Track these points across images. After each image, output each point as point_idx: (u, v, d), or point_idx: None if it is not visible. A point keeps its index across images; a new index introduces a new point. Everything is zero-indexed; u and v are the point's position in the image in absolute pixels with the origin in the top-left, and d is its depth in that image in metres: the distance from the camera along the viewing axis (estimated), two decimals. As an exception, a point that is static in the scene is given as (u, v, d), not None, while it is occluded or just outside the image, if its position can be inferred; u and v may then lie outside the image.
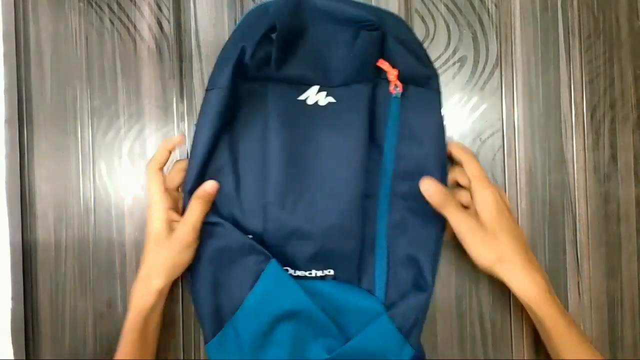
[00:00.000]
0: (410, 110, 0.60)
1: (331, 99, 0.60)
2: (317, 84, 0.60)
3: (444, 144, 0.60)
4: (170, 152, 0.59)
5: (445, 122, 0.60)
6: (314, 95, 0.60)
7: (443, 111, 0.61)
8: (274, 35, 0.57)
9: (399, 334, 0.57)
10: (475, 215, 0.56)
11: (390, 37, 0.59)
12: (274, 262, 0.58)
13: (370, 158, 0.60)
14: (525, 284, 0.54)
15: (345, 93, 0.60)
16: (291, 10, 0.58)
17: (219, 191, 0.60)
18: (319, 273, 0.60)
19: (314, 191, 0.59)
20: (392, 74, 0.59)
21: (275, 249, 0.59)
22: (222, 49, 0.61)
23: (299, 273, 0.60)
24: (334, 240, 0.59)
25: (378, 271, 0.60)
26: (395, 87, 0.59)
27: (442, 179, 0.59)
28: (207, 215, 0.58)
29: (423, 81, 0.60)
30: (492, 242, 0.55)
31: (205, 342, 0.59)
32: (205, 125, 0.58)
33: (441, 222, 0.59)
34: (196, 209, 0.57)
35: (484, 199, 0.56)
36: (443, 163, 0.60)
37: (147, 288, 0.56)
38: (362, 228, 0.60)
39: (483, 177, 0.57)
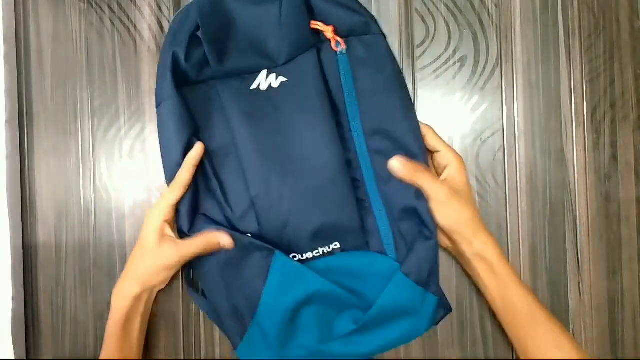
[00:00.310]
0: (360, 62, 0.59)
1: (283, 79, 0.59)
2: (265, 68, 0.59)
3: (403, 85, 0.60)
4: (196, 168, 0.58)
5: (397, 61, 0.60)
6: (265, 80, 0.59)
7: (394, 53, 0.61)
8: (200, 34, 0.57)
9: (417, 286, 0.57)
10: (445, 181, 0.58)
11: (321, 1, 0.59)
12: (278, 254, 0.57)
13: (339, 124, 0.59)
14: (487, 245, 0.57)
15: (293, 68, 0.59)
16: (211, 4, 0.58)
17: (208, 200, 0.60)
18: (326, 250, 0.59)
19: (295, 172, 0.58)
20: (328, 31, 0.58)
21: (277, 240, 0.59)
22: (160, 62, 0.59)
23: (306, 256, 0.59)
24: (331, 213, 0.59)
25: (383, 230, 0.60)
26: (337, 44, 0.59)
27: (411, 121, 0.59)
28: (202, 224, 0.58)
29: (362, 29, 0.59)
30: (464, 207, 0.57)
31: (235, 348, 0.59)
32: (171, 143, 0.58)
33: (424, 159, 0.59)
34: (196, 245, 0.57)
35: (458, 165, 0.58)
36: (407, 105, 0.59)
37: (123, 292, 0.57)
38: (354, 193, 0.59)
39: (449, 145, 0.59)
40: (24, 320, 0.63)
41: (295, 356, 0.59)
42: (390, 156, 0.58)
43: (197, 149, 0.58)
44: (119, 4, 0.64)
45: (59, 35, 0.64)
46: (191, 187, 0.58)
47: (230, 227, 0.59)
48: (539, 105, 0.63)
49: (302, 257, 0.59)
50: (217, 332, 0.64)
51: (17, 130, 0.63)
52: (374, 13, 0.63)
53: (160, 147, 0.59)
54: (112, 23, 0.64)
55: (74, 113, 0.64)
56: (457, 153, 0.59)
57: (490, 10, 0.63)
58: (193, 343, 0.64)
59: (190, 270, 0.63)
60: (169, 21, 0.64)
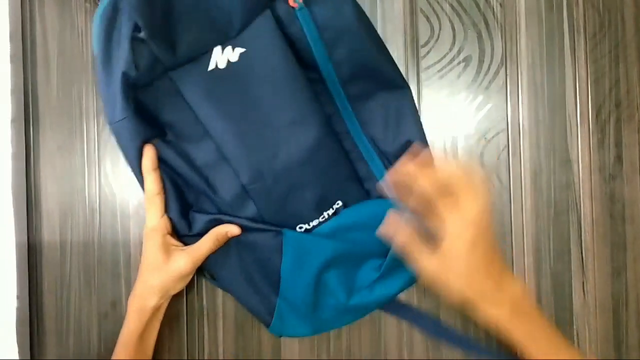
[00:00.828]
0: (321, 12, 0.54)
1: (240, 49, 0.54)
2: (218, 44, 0.54)
3: (368, 24, 0.57)
4: (158, 170, 0.56)
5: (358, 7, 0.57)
6: (221, 56, 0.54)
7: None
8: (142, 34, 0.50)
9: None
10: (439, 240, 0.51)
11: None
12: (286, 232, 0.57)
13: (311, 80, 0.56)
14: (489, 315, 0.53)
15: (249, 35, 0.54)
16: None
17: (195, 197, 0.59)
18: (330, 212, 0.59)
19: (280, 146, 0.56)
20: None
21: (279, 218, 0.58)
22: (99, 77, 0.54)
23: (313, 224, 0.59)
24: (326, 176, 0.58)
25: (378, 175, 0.60)
26: (295, 0, 0.54)
27: (385, 54, 0.58)
28: (201, 220, 0.58)
29: None
30: (454, 283, 0.52)
31: (267, 327, 0.60)
32: (133, 158, 0.55)
33: (407, 97, 0.58)
34: (206, 246, 0.56)
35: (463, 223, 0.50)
36: (377, 41, 0.58)
37: (142, 306, 0.56)
38: (343, 146, 0.59)
39: (466, 181, 0.50)
40: (28, 318, 0.63)
41: (328, 318, 0.59)
42: (372, 97, 0.58)
43: (147, 154, 0.55)
44: (125, 4, 0.64)
45: (65, 35, 0.64)
46: (171, 191, 0.57)
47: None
48: (543, 105, 0.64)
49: (309, 225, 0.59)
50: (220, 332, 0.64)
51: (22, 130, 0.63)
52: (378, 13, 0.63)
53: (130, 165, 0.57)
54: (118, 23, 0.64)
55: (79, 112, 0.64)
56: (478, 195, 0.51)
57: (495, 10, 0.64)
58: (196, 343, 0.64)
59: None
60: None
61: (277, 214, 0.58)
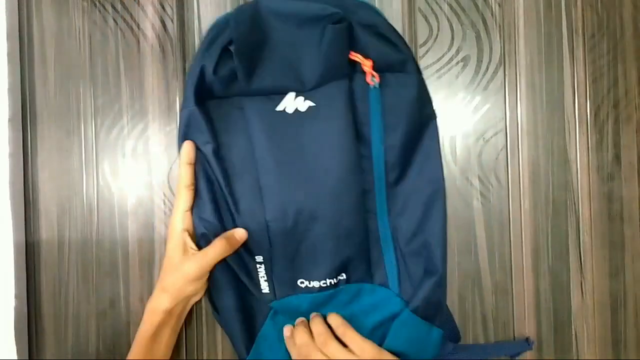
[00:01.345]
0: (392, 98, 0.58)
1: (310, 103, 0.58)
2: (293, 91, 0.58)
3: (433, 126, 0.60)
4: (193, 165, 0.58)
5: (431, 109, 0.61)
6: (292, 103, 0.58)
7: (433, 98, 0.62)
8: (232, 48, 0.56)
9: (424, 322, 0.58)
10: None
11: (359, 26, 0.57)
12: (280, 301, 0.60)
13: (361, 154, 0.59)
14: None
15: (323, 94, 0.58)
16: (248, 20, 0.56)
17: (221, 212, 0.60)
18: (333, 281, 0.60)
19: (312, 199, 0.58)
20: (366, 65, 0.57)
21: (285, 263, 0.59)
22: (190, 69, 0.60)
23: (313, 284, 0.59)
24: (343, 244, 0.59)
25: (388, 264, 0.60)
26: (372, 78, 0.58)
27: (437, 160, 0.60)
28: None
29: (399, 66, 0.59)
30: None
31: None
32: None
33: (442, 204, 0.59)
34: (217, 250, 0.56)
35: None
36: (436, 147, 0.60)
37: (154, 306, 0.57)
38: (366, 224, 0.60)
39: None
40: (26, 317, 0.63)
41: None
42: (407, 190, 0.59)
43: (186, 148, 0.58)
44: (123, 3, 0.64)
45: (62, 34, 0.64)
46: (208, 197, 0.58)
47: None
48: (542, 105, 0.63)
49: (310, 284, 0.60)
50: (219, 332, 0.64)
51: (20, 129, 0.63)
52: (377, 12, 0.63)
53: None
54: (116, 22, 0.64)
55: (77, 112, 0.64)
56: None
57: (493, 10, 0.63)
58: (195, 343, 0.64)
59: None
60: (172, 20, 0.64)
61: (285, 259, 0.59)
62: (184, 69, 0.64)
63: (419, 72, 0.60)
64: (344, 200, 0.58)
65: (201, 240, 0.58)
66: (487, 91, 0.63)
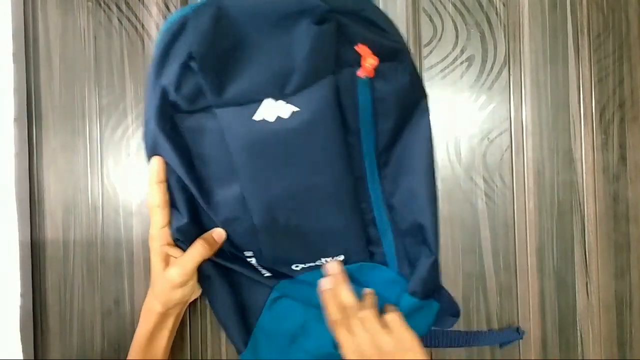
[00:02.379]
0: (383, 88, 0.54)
1: (294, 108, 0.51)
2: (270, 96, 0.51)
3: (423, 104, 0.57)
4: (164, 183, 0.56)
5: (421, 90, 0.58)
6: (272, 110, 0.51)
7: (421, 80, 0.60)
8: (194, 65, 0.50)
9: (423, 301, 0.57)
10: None
11: (342, 14, 0.51)
12: (281, 283, 0.59)
13: (349, 144, 0.55)
14: None
15: (307, 96, 0.51)
16: (210, 26, 0.49)
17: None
18: (330, 260, 0.59)
19: (303, 203, 0.56)
20: (369, 62, 0.52)
21: (280, 253, 0.59)
22: (148, 84, 0.53)
23: (309, 264, 0.59)
24: (338, 234, 0.58)
25: (386, 243, 0.60)
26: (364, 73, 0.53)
27: (429, 149, 0.57)
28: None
29: (391, 56, 0.54)
30: None
31: (239, 353, 0.60)
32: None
33: (433, 184, 0.58)
34: (196, 252, 0.55)
35: None
36: (427, 135, 0.57)
37: (149, 309, 0.57)
38: (360, 208, 0.59)
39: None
40: (31, 316, 0.63)
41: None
42: (397, 168, 0.57)
43: (154, 166, 0.55)
44: (127, 3, 0.64)
45: (67, 34, 0.64)
46: (184, 207, 0.56)
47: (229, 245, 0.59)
48: (547, 105, 0.63)
49: (305, 265, 0.60)
50: (223, 332, 0.64)
51: (25, 129, 0.63)
52: (381, 12, 0.63)
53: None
54: (120, 22, 0.64)
55: (81, 111, 0.64)
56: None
57: (498, 9, 0.63)
58: (199, 343, 0.64)
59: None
60: (176, 20, 0.64)
61: (278, 250, 0.58)
62: (189, 68, 0.64)
63: (410, 58, 0.56)
64: (336, 201, 0.56)
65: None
66: (491, 91, 0.63)
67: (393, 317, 0.56)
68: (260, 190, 0.55)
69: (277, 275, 0.60)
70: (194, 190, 0.55)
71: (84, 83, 0.64)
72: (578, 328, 0.63)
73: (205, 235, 0.57)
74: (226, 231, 0.58)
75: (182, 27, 0.50)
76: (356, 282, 0.60)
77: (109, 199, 0.64)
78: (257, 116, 0.52)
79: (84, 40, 0.64)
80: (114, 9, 0.64)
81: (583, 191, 0.63)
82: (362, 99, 0.53)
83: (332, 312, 0.57)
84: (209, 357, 0.64)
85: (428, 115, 0.57)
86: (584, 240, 0.63)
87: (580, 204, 0.63)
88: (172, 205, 0.56)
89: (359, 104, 0.54)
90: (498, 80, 0.63)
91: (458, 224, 0.63)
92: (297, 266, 0.59)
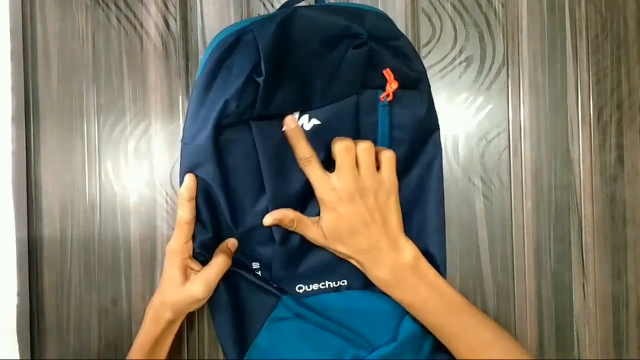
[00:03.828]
0: (401, 114, 0.58)
1: (315, 121, 0.57)
2: (299, 110, 0.56)
3: (435, 136, 0.60)
4: (194, 201, 0.57)
5: (436, 121, 0.60)
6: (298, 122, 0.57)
7: (438, 109, 0.61)
8: (260, 79, 0.52)
9: (421, 330, 0.58)
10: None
11: (374, 40, 0.55)
12: (285, 300, 0.59)
13: None
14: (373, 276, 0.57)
15: (329, 112, 0.57)
16: (279, 41, 0.52)
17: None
18: (333, 284, 0.60)
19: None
20: (391, 86, 0.56)
21: (287, 274, 0.59)
22: (195, 96, 0.55)
23: (312, 287, 0.60)
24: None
25: None
26: (386, 97, 0.57)
27: (440, 184, 0.60)
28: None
29: (412, 84, 0.58)
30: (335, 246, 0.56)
31: None
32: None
33: (442, 214, 0.59)
34: (219, 267, 0.56)
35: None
36: (439, 171, 0.60)
37: (158, 316, 0.57)
38: None
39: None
40: (28, 315, 0.63)
41: None
42: (407, 199, 0.59)
43: (186, 183, 0.56)
44: (126, 2, 0.64)
45: (66, 32, 0.64)
46: (208, 219, 0.58)
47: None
48: (545, 106, 0.63)
49: (308, 288, 0.60)
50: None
51: (23, 128, 0.63)
52: (380, 12, 0.63)
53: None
54: (119, 21, 0.64)
55: (79, 110, 0.64)
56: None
57: (496, 10, 0.63)
58: (196, 343, 0.64)
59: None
60: (175, 19, 0.64)
61: (285, 271, 0.59)
62: (187, 67, 0.64)
63: (429, 88, 0.59)
64: None
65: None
66: (489, 91, 0.63)
67: (388, 155, 0.55)
68: (281, 197, 0.57)
69: (283, 291, 0.60)
70: (223, 201, 0.57)
71: (82, 82, 0.64)
72: (575, 329, 0.63)
73: (222, 247, 0.58)
74: (244, 240, 0.59)
75: (237, 41, 0.53)
76: (357, 309, 0.60)
77: (106, 198, 0.64)
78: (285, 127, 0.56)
79: (82, 39, 0.64)
80: (113, 7, 0.64)
81: (580, 192, 0.63)
82: (381, 123, 0.58)
83: (303, 148, 0.55)
84: (206, 357, 0.64)
85: (441, 151, 0.60)
86: (581, 241, 0.63)
87: (577, 204, 0.63)
88: (197, 220, 0.58)
89: (378, 127, 0.58)
90: (496, 81, 0.63)
91: (455, 224, 0.63)
92: (300, 287, 0.60)
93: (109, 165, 0.64)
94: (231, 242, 0.59)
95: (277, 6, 0.63)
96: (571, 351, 0.63)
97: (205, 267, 0.56)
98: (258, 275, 0.60)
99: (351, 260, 0.57)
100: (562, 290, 0.63)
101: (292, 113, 0.56)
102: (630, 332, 0.63)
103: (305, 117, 0.57)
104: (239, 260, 0.60)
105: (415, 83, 0.58)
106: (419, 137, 0.59)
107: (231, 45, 0.54)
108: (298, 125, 0.56)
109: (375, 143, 0.57)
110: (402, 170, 0.58)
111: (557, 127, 0.63)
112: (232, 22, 0.64)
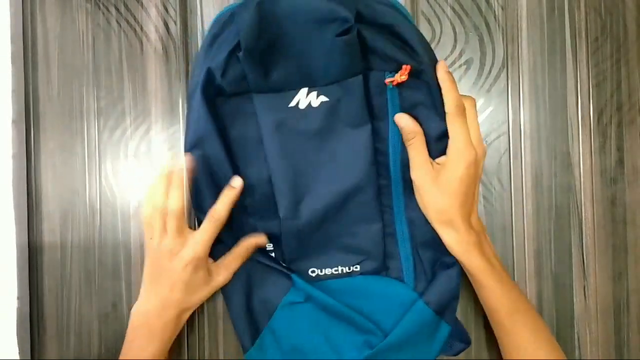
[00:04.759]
0: (409, 97, 0.57)
1: (324, 98, 0.57)
2: (305, 86, 0.57)
3: (444, 130, 0.58)
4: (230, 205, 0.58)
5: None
6: (305, 98, 0.57)
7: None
8: (240, 54, 0.54)
9: (435, 315, 0.58)
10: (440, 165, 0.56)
11: (375, 27, 0.55)
12: (296, 281, 0.59)
13: (377, 149, 0.59)
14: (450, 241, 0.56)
15: (337, 89, 0.56)
16: (255, 21, 0.53)
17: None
18: (346, 269, 0.60)
19: (325, 196, 0.58)
20: (400, 78, 0.56)
21: (299, 254, 0.60)
22: (192, 68, 0.58)
23: (325, 272, 0.60)
24: (357, 236, 0.60)
25: (404, 257, 0.60)
26: (391, 82, 0.56)
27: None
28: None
29: (415, 73, 0.56)
30: (438, 199, 0.56)
31: (244, 351, 0.60)
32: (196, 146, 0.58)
33: None
34: (239, 258, 0.59)
35: (456, 153, 0.55)
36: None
37: (179, 320, 0.59)
38: (382, 219, 0.60)
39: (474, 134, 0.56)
40: (28, 319, 0.63)
41: None
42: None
43: (234, 185, 0.58)
44: (126, 5, 0.64)
45: (66, 35, 0.64)
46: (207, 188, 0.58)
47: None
48: (545, 108, 0.63)
49: (321, 272, 0.60)
50: (220, 332, 0.64)
51: (23, 130, 0.63)
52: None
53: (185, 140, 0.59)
54: (119, 24, 0.64)
55: (80, 113, 0.64)
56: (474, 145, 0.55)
57: (496, 13, 0.63)
58: (197, 343, 0.64)
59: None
60: (175, 22, 0.64)
61: (296, 251, 0.60)
62: (187, 70, 0.64)
63: (433, 80, 0.56)
64: (360, 195, 0.58)
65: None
66: (489, 94, 0.63)
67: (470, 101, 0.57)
68: (287, 179, 0.58)
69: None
70: (228, 171, 0.57)
71: (82, 85, 0.64)
72: (576, 331, 0.63)
73: (249, 240, 0.59)
74: (254, 214, 0.60)
75: (230, 19, 0.56)
76: (369, 294, 0.60)
77: (106, 202, 0.64)
78: (292, 103, 0.57)
79: (83, 42, 0.64)
80: (113, 10, 0.64)
81: (581, 194, 0.63)
82: (391, 102, 0.57)
83: (457, 98, 0.55)
84: (206, 357, 0.64)
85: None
86: (582, 244, 0.63)
87: (578, 207, 0.63)
88: (198, 207, 0.59)
89: (388, 107, 0.58)
90: (496, 84, 0.63)
91: (456, 226, 0.63)
92: (313, 271, 0.60)
93: (109, 168, 0.64)
94: (260, 239, 0.59)
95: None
96: (572, 353, 0.63)
97: (228, 256, 0.58)
98: (271, 257, 0.60)
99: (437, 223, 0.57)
100: (563, 293, 0.63)
101: (296, 89, 0.57)
102: (631, 334, 0.63)
103: (313, 93, 0.57)
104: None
105: (417, 73, 0.56)
106: (428, 127, 0.58)
107: (225, 22, 0.56)
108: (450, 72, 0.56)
109: (386, 123, 0.58)
110: None
111: (557, 129, 0.63)
112: (233, 25, 0.64)
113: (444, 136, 0.56)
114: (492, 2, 0.63)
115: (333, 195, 0.58)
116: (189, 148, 0.58)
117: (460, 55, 0.63)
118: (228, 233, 0.59)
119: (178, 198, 0.57)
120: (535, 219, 0.63)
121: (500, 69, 0.63)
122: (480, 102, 0.63)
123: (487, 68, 0.63)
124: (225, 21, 0.56)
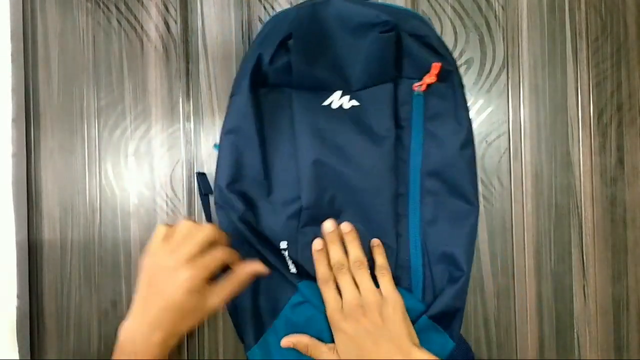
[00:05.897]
0: (433, 106, 0.60)
1: (355, 102, 0.61)
2: (340, 89, 0.61)
3: (470, 140, 0.60)
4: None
5: (470, 116, 0.61)
6: (338, 100, 0.61)
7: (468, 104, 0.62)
8: (290, 43, 0.59)
9: (439, 330, 0.58)
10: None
11: (410, 36, 0.60)
12: (301, 287, 0.59)
13: (398, 157, 0.60)
14: None
15: (368, 95, 0.61)
16: (308, 19, 0.59)
17: (253, 194, 0.61)
18: None
19: (347, 193, 0.60)
20: (430, 78, 0.59)
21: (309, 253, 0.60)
22: (245, 55, 0.62)
23: None
24: (369, 237, 0.60)
25: (414, 269, 0.60)
26: (419, 86, 0.60)
27: (471, 169, 0.60)
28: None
29: (444, 77, 0.60)
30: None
31: (246, 350, 0.60)
32: (233, 130, 0.60)
33: (473, 215, 0.60)
34: (232, 288, 0.56)
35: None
36: (470, 160, 0.60)
37: (149, 342, 0.54)
38: (396, 226, 0.60)
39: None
40: (28, 317, 0.63)
41: None
42: (441, 199, 0.60)
43: (253, 268, 0.57)
44: (126, 4, 0.64)
45: (66, 34, 0.64)
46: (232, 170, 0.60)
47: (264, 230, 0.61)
48: (545, 108, 0.63)
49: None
50: (220, 333, 0.64)
51: (23, 129, 0.63)
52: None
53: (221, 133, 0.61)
54: (119, 23, 0.64)
55: (80, 112, 0.64)
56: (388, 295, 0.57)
57: (497, 13, 0.63)
58: (196, 343, 0.64)
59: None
60: (175, 22, 0.64)
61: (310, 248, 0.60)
62: (187, 70, 0.64)
63: (461, 85, 0.61)
64: (377, 199, 0.60)
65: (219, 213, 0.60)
66: (490, 94, 0.63)
67: (386, 279, 0.57)
68: (313, 171, 0.60)
69: (302, 273, 0.60)
70: (258, 163, 0.61)
71: (82, 84, 0.64)
72: (575, 331, 0.63)
73: (246, 271, 0.57)
74: (276, 211, 0.61)
75: (285, 16, 0.61)
76: None
77: (106, 200, 0.64)
78: (326, 102, 0.61)
79: (83, 41, 0.64)
80: (113, 9, 0.64)
81: (581, 194, 0.63)
82: (415, 112, 0.61)
83: (321, 271, 0.58)
84: (206, 357, 0.64)
85: (474, 150, 0.61)
86: (582, 243, 0.63)
87: (577, 206, 0.63)
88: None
89: (412, 117, 0.61)
90: (496, 83, 0.63)
91: (456, 226, 0.63)
92: None
93: (109, 167, 0.64)
94: (260, 268, 0.58)
95: (278, 8, 0.64)
96: (571, 353, 0.63)
97: (224, 283, 0.55)
98: (281, 255, 0.60)
99: None
100: (563, 292, 0.63)
101: (333, 90, 0.61)
102: (631, 333, 0.63)
103: (346, 97, 0.61)
104: (266, 239, 0.60)
105: (446, 75, 0.60)
106: (451, 135, 0.60)
107: (279, 20, 0.61)
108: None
109: (408, 133, 0.61)
110: (435, 169, 0.60)
111: (557, 129, 0.63)
112: (232, 25, 0.64)
113: (466, 146, 0.60)
114: (493, 1, 0.63)
115: (352, 195, 0.60)
116: (226, 131, 0.60)
117: (461, 55, 0.63)
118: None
119: (210, 231, 0.55)
120: (535, 219, 0.63)
121: (500, 68, 0.63)
122: (480, 102, 0.63)
123: (487, 68, 0.63)
124: (279, 20, 0.61)
